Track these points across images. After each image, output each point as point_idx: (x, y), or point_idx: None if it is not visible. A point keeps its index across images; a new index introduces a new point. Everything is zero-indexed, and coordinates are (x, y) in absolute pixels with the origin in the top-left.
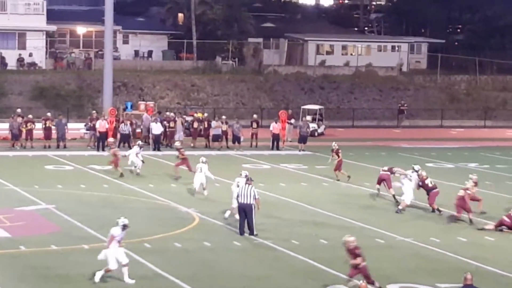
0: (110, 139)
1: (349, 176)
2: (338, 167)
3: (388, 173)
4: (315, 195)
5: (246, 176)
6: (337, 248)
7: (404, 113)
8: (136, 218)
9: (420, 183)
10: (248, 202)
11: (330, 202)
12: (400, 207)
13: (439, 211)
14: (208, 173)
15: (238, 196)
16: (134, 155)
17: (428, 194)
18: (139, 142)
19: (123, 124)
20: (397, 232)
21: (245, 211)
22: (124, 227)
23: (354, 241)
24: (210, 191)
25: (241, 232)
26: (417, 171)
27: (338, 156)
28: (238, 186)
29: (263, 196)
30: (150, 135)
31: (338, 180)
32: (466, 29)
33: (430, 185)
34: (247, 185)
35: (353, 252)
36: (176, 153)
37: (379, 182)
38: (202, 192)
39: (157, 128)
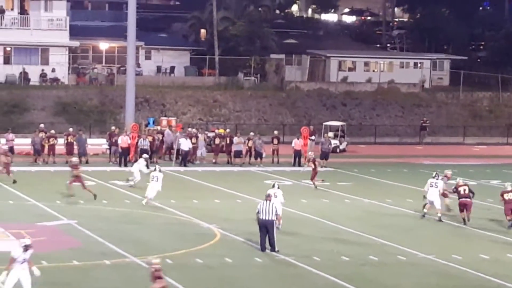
0: (74, 159)
1: (323, 180)
2: (313, 177)
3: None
4: (336, 212)
5: (278, 187)
6: (358, 265)
7: (426, 130)
8: (158, 234)
9: (454, 189)
10: (269, 218)
11: (352, 218)
12: (439, 214)
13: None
14: (281, 199)
15: (258, 212)
16: (137, 167)
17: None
18: (145, 155)
19: (142, 139)
20: (419, 249)
21: (266, 227)
22: (26, 247)
23: (158, 264)
24: (232, 207)
25: (263, 248)
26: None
27: (315, 166)
28: (276, 196)
29: (285, 212)
30: (173, 150)
31: (316, 187)
32: (489, 46)
33: (462, 192)
34: (267, 201)
35: (155, 276)
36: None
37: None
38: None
39: (186, 144)
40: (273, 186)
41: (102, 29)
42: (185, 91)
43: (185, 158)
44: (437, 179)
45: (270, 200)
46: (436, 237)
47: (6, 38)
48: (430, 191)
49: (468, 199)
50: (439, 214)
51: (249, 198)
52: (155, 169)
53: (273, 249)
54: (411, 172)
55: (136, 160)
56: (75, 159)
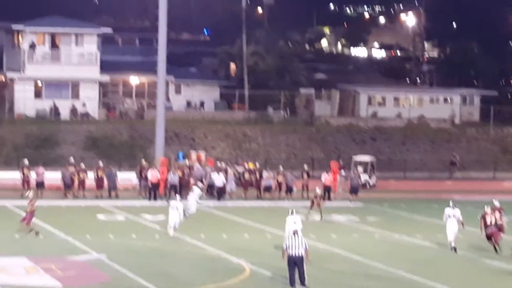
0: (30, 193)
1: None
2: (311, 207)
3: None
4: (366, 247)
5: (292, 212)
6: None
7: (456, 165)
8: (187, 268)
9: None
10: (298, 253)
11: (382, 254)
12: (453, 244)
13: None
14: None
15: (287, 247)
16: (194, 199)
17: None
18: (200, 184)
19: (171, 173)
20: (448, 283)
21: (295, 262)
22: None
23: None
24: (261, 241)
25: (292, 283)
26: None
27: (318, 201)
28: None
29: (314, 247)
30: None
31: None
32: None
33: (489, 222)
34: (296, 235)
35: None
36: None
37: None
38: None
39: (219, 179)
40: (292, 213)
41: (133, 64)
42: (214, 125)
43: (220, 193)
44: (453, 208)
45: (298, 235)
46: (464, 270)
47: (37, 73)
48: (449, 222)
49: (495, 229)
50: (453, 244)
51: (278, 233)
52: (175, 200)
53: (303, 284)
54: (441, 207)
55: (166, 194)
56: (30, 193)
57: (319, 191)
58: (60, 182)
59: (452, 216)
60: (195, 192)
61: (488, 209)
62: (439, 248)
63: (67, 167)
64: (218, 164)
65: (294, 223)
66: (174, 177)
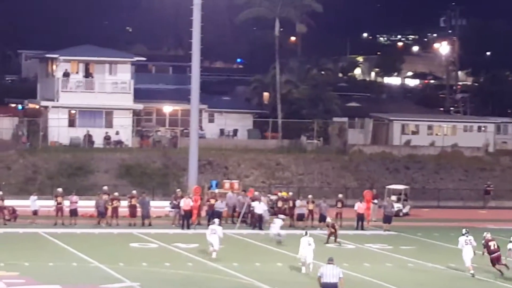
0: None
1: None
2: (329, 237)
3: None
4: (399, 276)
5: (306, 233)
6: None
7: (490, 194)
8: None
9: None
10: (333, 281)
11: (415, 283)
12: (471, 271)
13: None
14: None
15: (322, 275)
16: (276, 228)
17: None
18: (281, 216)
19: (219, 201)
20: None
21: None
22: None
23: None
24: (294, 270)
25: None
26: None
27: (334, 230)
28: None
29: (347, 275)
30: (236, 213)
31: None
32: None
33: (492, 248)
34: (331, 264)
35: None
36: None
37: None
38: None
39: (259, 208)
40: (306, 234)
41: (166, 92)
42: (247, 154)
43: (261, 222)
44: (467, 236)
45: (333, 264)
46: None
47: (71, 101)
48: (465, 249)
49: (498, 253)
50: (471, 271)
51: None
52: (213, 223)
53: None
54: (475, 237)
55: (199, 223)
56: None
57: (330, 220)
58: (93, 210)
59: (468, 243)
60: (277, 223)
61: (488, 235)
62: (472, 278)
63: (101, 195)
64: (256, 193)
65: (309, 245)
66: (221, 205)
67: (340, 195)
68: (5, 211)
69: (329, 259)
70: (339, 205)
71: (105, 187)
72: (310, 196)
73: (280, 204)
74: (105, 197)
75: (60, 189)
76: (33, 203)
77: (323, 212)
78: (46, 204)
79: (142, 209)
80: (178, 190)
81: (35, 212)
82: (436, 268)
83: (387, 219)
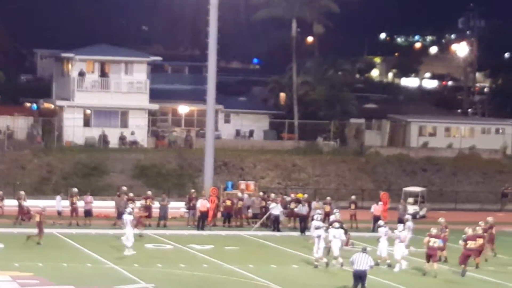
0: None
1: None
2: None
3: None
4: (416, 279)
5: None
6: None
7: (508, 197)
8: None
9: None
10: (363, 268)
11: (432, 285)
12: None
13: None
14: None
15: (353, 263)
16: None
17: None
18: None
19: (274, 203)
20: None
21: (360, 276)
22: None
23: None
24: (310, 272)
25: None
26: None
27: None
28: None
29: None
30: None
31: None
32: None
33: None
34: (363, 253)
35: None
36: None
37: None
38: None
39: (277, 209)
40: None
41: (182, 93)
42: (264, 155)
43: (277, 223)
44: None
45: (366, 253)
46: None
47: (87, 101)
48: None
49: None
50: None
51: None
52: None
53: None
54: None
55: (214, 224)
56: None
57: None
58: (113, 210)
59: (386, 234)
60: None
61: (470, 230)
62: (490, 280)
63: (122, 196)
64: (273, 195)
65: (334, 237)
66: (276, 207)
67: (353, 197)
68: (25, 210)
69: (362, 248)
70: (353, 206)
71: (124, 188)
72: (328, 198)
73: (292, 205)
74: (124, 197)
75: (75, 189)
76: (58, 203)
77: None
78: (61, 204)
79: (161, 210)
80: (193, 191)
81: (59, 213)
82: (452, 272)
83: (400, 221)
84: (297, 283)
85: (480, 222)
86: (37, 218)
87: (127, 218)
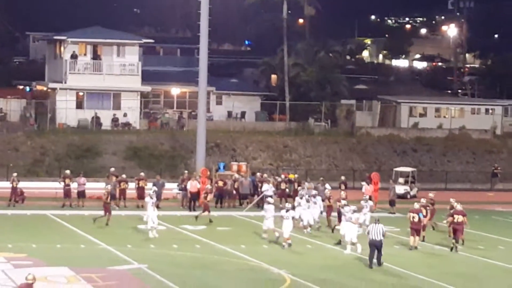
0: None
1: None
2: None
3: None
4: (408, 258)
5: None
6: None
7: (497, 177)
8: (227, 279)
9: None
10: (378, 238)
11: (423, 265)
12: None
13: None
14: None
15: (368, 233)
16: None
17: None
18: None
19: (267, 184)
20: None
21: (375, 245)
22: None
23: None
24: (302, 252)
25: (371, 265)
26: None
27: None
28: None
29: (355, 258)
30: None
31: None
32: None
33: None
34: (377, 223)
35: None
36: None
37: None
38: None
39: (270, 190)
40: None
41: (174, 74)
42: (255, 136)
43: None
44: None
45: (379, 223)
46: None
47: (79, 83)
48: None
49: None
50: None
51: (319, 244)
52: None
53: (380, 264)
54: (482, 219)
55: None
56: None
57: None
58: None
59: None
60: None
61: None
62: (480, 260)
63: (111, 178)
64: (258, 174)
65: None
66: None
67: (343, 177)
68: (18, 192)
69: (376, 219)
70: (343, 187)
71: (112, 169)
72: (321, 178)
73: (283, 186)
74: (113, 179)
75: (68, 171)
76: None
77: (321, 195)
78: (54, 186)
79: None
80: (186, 172)
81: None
82: (443, 250)
83: (390, 202)
84: (289, 263)
85: (422, 199)
86: (106, 199)
87: (148, 200)
